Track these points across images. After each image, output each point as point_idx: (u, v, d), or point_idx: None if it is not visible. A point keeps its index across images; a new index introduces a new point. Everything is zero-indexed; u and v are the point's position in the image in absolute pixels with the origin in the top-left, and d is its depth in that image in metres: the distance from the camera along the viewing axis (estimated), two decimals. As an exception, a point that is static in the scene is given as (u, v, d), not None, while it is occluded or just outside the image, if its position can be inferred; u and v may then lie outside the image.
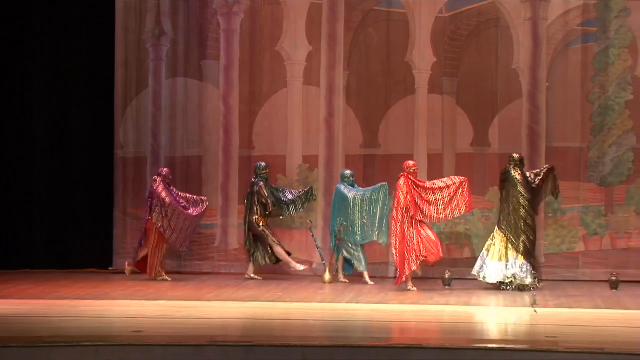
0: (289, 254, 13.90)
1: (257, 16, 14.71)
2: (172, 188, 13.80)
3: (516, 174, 12.95)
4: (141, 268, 13.76)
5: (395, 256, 12.67)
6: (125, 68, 14.81)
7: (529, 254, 12.81)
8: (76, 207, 14.77)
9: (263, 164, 13.95)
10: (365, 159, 14.46)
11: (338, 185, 13.64)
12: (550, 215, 14.03)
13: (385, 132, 14.47)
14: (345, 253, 13.49)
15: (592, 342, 9.26)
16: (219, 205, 14.49)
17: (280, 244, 13.83)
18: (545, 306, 11.56)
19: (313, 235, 13.98)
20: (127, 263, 13.99)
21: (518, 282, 12.72)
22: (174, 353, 8.77)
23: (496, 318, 11.12)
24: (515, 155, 13.11)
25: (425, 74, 14.38)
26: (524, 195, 12.88)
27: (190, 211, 13.66)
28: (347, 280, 13.47)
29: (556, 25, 14.17)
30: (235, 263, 14.43)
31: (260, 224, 13.79)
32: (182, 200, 13.73)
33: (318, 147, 14.55)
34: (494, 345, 8.95)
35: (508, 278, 12.75)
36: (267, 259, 13.82)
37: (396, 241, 12.64)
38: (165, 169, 13.89)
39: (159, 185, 13.62)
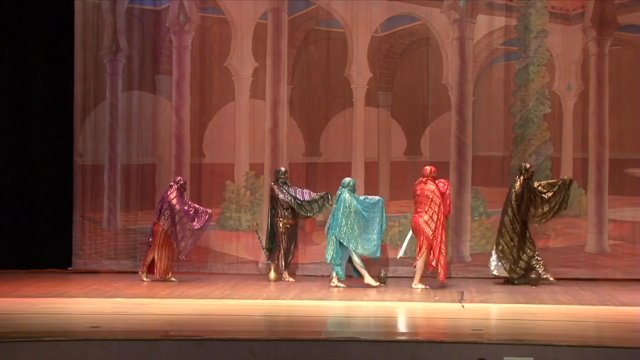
0: (286, 265, 13.52)
1: (207, 34, 14.68)
2: (184, 196, 13.44)
3: (516, 183, 13.13)
4: (152, 270, 13.36)
5: (436, 256, 12.63)
6: (84, 82, 14.68)
7: (504, 253, 13.01)
8: (38, 212, 14.59)
9: (283, 169, 13.70)
10: (307, 167, 14.49)
11: (343, 194, 12.84)
12: (476, 218, 14.18)
13: (325, 142, 14.51)
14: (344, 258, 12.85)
15: (513, 334, 9.38)
16: (172, 210, 14.38)
17: (286, 252, 13.47)
18: (471, 302, 11.66)
19: (259, 237, 13.96)
20: (140, 271, 13.45)
21: (494, 273, 13.09)
22: (129, 347, 8.71)
23: (427, 313, 11.18)
24: (522, 165, 13.27)
25: (362, 88, 14.47)
26: (512, 203, 13.01)
27: (194, 223, 13.26)
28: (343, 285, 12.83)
29: (481, 45, 14.34)
30: (186, 263, 14.33)
31: (280, 226, 13.49)
32: (191, 210, 13.32)
33: (264, 156, 14.54)
34: (425, 339, 9.01)
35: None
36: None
37: (439, 240, 12.63)
38: (182, 178, 13.53)
39: (172, 192, 13.28)
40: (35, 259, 14.53)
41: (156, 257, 13.27)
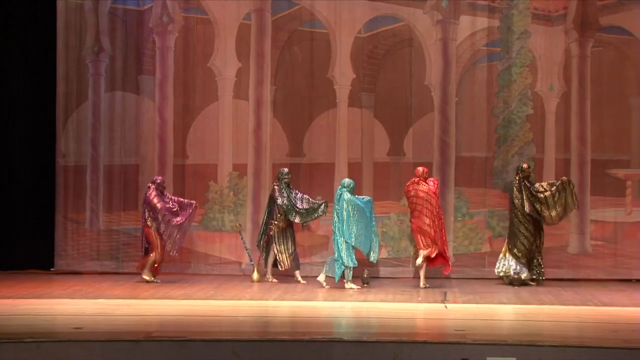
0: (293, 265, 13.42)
1: (190, 35, 14.66)
2: (165, 193, 13.40)
3: (514, 182, 13.13)
4: (155, 272, 13.24)
5: (442, 251, 12.79)
6: (66, 82, 14.64)
7: (519, 253, 12.97)
8: (20, 212, 14.54)
9: (286, 169, 13.57)
10: (290, 167, 14.43)
11: (344, 194, 12.75)
12: (459, 219, 14.22)
13: (309, 143, 14.53)
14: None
15: (496, 334, 9.43)
16: (155, 210, 14.35)
17: (284, 255, 13.33)
18: (454, 302, 11.70)
19: (242, 238, 13.97)
20: (143, 273, 13.21)
21: (513, 276, 12.95)
22: (113, 348, 8.71)
23: (409, 313, 11.21)
24: (519, 165, 13.28)
25: (346, 89, 14.49)
26: (514, 202, 13.01)
27: (179, 218, 13.20)
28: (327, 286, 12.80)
29: (464, 46, 14.38)
30: (169, 264, 14.28)
31: (273, 229, 13.36)
32: (174, 205, 13.27)
33: (247, 156, 14.54)
34: (407, 339, 9.04)
35: (500, 272, 13.06)
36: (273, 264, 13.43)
37: (444, 237, 12.81)
38: (160, 177, 13.51)
39: (151, 192, 13.23)
40: (17, 259, 14.47)
41: (157, 257, 13.21)
